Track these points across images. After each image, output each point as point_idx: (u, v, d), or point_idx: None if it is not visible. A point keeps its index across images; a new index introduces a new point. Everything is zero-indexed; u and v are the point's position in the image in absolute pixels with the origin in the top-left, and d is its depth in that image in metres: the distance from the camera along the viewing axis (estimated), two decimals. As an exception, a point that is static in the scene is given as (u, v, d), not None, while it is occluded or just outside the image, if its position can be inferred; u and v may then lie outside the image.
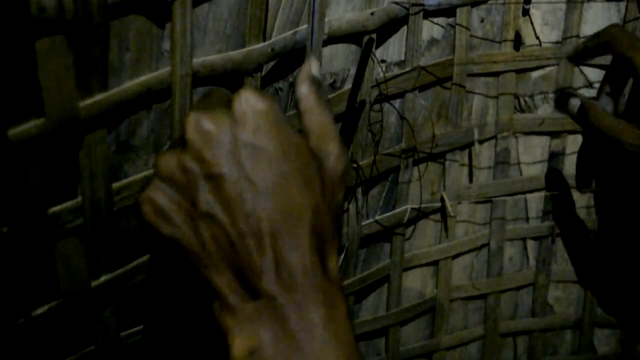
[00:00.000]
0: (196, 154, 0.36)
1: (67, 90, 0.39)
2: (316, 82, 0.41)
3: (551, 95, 0.70)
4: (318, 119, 0.40)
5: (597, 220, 0.68)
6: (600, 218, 0.65)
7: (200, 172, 0.36)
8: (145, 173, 0.46)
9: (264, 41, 0.50)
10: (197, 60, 0.46)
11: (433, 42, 0.64)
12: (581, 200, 0.72)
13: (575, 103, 0.58)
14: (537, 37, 0.68)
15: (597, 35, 0.57)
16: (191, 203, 0.36)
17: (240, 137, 0.36)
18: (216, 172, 0.36)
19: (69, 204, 0.43)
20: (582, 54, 0.59)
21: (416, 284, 0.72)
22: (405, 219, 0.67)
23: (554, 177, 0.66)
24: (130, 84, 0.43)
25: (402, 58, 0.62)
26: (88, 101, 0.41)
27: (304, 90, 0.41)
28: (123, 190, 0.46)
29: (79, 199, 0.43)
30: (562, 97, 0.59)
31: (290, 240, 0.36)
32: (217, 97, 0.41)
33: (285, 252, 0.35)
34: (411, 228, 0.69)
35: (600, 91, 0.58)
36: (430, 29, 0.63)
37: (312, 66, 0.42)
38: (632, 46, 0.53)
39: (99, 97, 0.41)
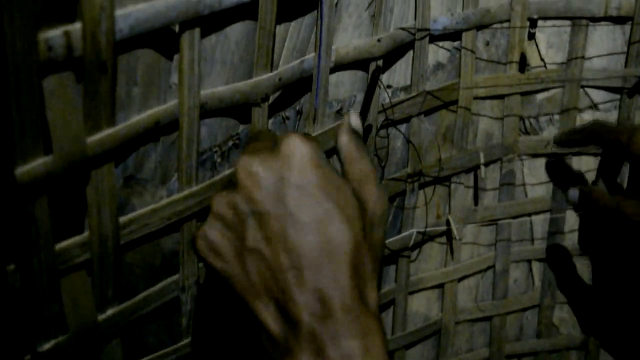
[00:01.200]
0: (246, 195, 0.40)
1: (74, 127, 0.39)
2: (355, 133, 0.45)
3: (557, 118, 0.70)
4: (358, 165, 0.44)
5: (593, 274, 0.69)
6: (597, 274, 0.66)
7: (249, 210, 0.39)
8: (152, 206, 0.46)
9: (272, 71, 0.49)
10: (205, 92, 0.46)
11: (439, 66, 0.63)
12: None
13: (574, 193, 0.60)
14: (542, 60, 0.68)
15: (582, 128, 0.59)
16: (240, 239, 0.40)
17: (286, 179, 0.39)
18: (263, 211, 0.39)
19: (76, 239, 0.43)
20: (568, 142, 0.62)
21: (421, 307, 0.71)
22: (411, 243, 0.66)
23: (555, 249, 0.69)
24: (138, 118, 0.43)
25: (408, 83, 0.62)
26: (96, 137, 0.40)
27: (345, 140, 0.45)
28: (130, 224, 0.45)
29: (86, 233, 0.43)
30: (563, 142, 0.61)
31: (329, 275, 0.38)
32: (265, 137, 0.44)
33: (324, 286, 0.38)
34: (417, 251, 0.68)
35: (597, 179, 0.61)
36: (436, 53, 0.63)
37: (352, 118, 0.46)
38: (613, 131, 0.55)
39: (106, 132, 0.41)
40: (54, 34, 0.36)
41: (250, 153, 0.41)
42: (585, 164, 0.70)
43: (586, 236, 0.59)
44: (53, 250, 0.41)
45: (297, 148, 0.40)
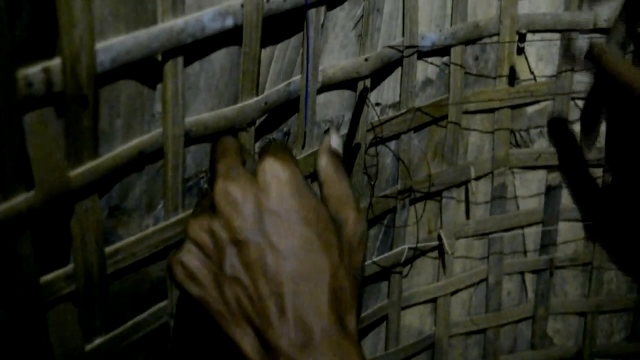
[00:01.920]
0: (225, 221, 0.39)
1: (56, 161, 0.38)
2: (335, 154, 0.45)
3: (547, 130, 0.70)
4: (336, 187, 0.43)
5: (605, 173, 0.66)
6: (610, 169, 0.60)
7: (227, 238, 0.39)
8: (138, 235, 0.45)
9: (257, 95, 0.49)
10: (190, 119, 0.45)
11: (428, 82, 0.63)
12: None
13: (583, 44, 0.54)
14: (532, 73, 0.68)
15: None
16: (218, 266, 0.39)
17: (264, 205, 0.39)
18: (241, 238, 0.39)
19: (60, 271, 0.42)
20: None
21: (414, 321, 0.71)
22: (403, 259, 0.66)
23: (559, 124, 0.61)
24: (122, 149, 0.42)
25: (397, 100, 0.61)
26: (78, 170, 0.40)
27: (324, 162, 0.44)
28: (116, 254, 0.45)
29: (71, 265, 0.43)
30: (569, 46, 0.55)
31: (309, 301, 0.38)
32: (235, 152, 0.43)
33: (304, 313, 0.38)
34: (408, 267, 0.68)
35: (612, 32, 0.55)
36: (425, 69, 0.63)
37: (332, 139, 0.46)
38: None
39: (89, 165, 0.40)
40: (33, 70, 0.35)
41: (229, 178, 0.41)
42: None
43: (594, 95, 0.54)
44: (38, 283, 0.41)
45: (275, 174, 0.40)
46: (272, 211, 0.39)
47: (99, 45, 0.38)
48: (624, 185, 0.52)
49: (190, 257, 0.40)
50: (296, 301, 0.38)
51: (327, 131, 0.55)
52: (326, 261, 0.39)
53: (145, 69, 0.42)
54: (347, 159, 0.57)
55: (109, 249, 0.44)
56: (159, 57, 0.42)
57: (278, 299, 0.38)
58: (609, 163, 0.55)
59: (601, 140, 0.53)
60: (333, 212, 0.42)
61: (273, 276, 0.38)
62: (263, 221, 0.39)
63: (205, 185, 0.49)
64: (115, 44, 0.39)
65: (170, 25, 0.41)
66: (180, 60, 0.43)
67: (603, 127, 0.53)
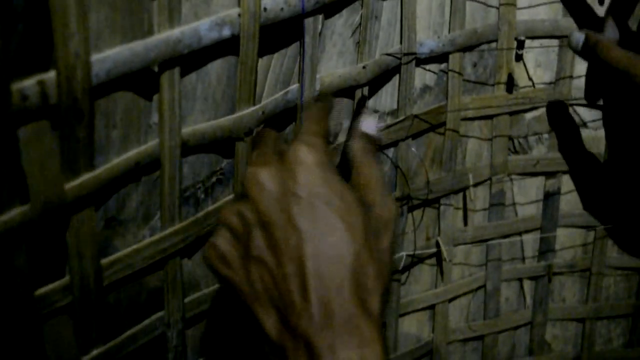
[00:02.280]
0: (253, 205, 0.40)
1: (52, 174, 0.38)
2: (368, 137, 0.46)
3: (546, 137, 0.70)
4: (366, 171, 0.44)
5: (604, 153, 0.65)
6: (609, 146, 0.60)
7: (255, 220, 0.40)
8: (135, 246, 0.45)
9: (255, 104, 0.48)
10: (187, 129, 0.45)
11: (426, 89, 0.63)
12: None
13: (579, 37, 0.54)
14: (531, 79, 0.68)
15: None
16: (246, 248, 0.40)
17: (290, 188, 0.40)
18: (268, 220, 0.40)
19: (56, 284, 0.42)
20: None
21: (413, 328, 0.71)
22: (401, 266, 0.66)
23: (558, 110, 0.62)
24: (118, 160, 0.42)
25: (395, 107, 0.61)
26: (74, 182, 0.39)
27: (357, 145, 0.46)
28: (113, 265, 0.44)
29: (67, 278, 0.42)
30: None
31: (331, 283, 0.38)
32: (271, 142, 0.44)
33: (325, 294, 0.38)
34: (406, 274, 0.68)
35: (604, 24, 0.55)
36: (423, 76, 0.62)
37: (363, 122, 0.47)
38: None
39: (85, 177, 0.40)
40: (27, 83, 0.35)
41: (258, 163, 0.42)
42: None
43: (593, 85, 0.54)
44: (33, 296, 0.41)
45: (301, 158, 0.41)
46: (297, 194, 0.40)
47: (95, 57, 0.38)
48: (625, 173, 0.52)
49: (221, 240, 0.41)
50: (318, 282, 0.38)
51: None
52: (349, 244, 0.39)
53: (142, 79, 0.42)
54: (343, 168, 0.56)
55: (105, 261, 0.44)
56: (156, 68, 0.42)
57: (300, 280, 0.38)
58: (610, 151, 0.54)
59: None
60: (361, 194, 0.43)
61: (296, 257, 0.39)
62: (289, 204, 0.40)
63: (203, 196, 0.49)
64: (111, 56, 0.39)
65: (166, 35, 0.41)
66: (176, 70, 0.43)
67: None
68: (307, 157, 0.41)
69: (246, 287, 0.40)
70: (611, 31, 0.56)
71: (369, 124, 0.46)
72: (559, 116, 0.56)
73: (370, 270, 0.40)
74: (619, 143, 0.52)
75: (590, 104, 0.56)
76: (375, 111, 0.60)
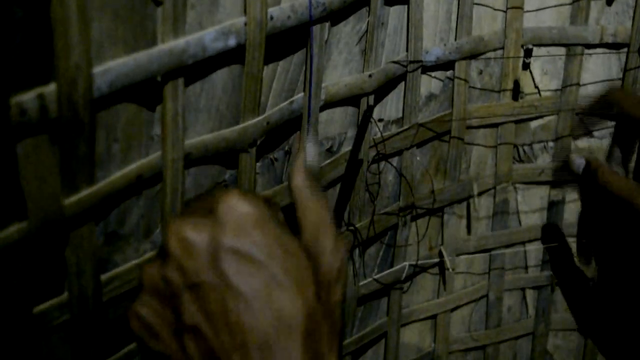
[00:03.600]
0: (178, 265, 0.34)
1: (50, 190, 0.37)
2: (311, 172, 0.40)
3: (551, 145, 0.69)
4: (313, 212, 0.38)
5: (597, 271, 0.67)
6: (601, 272, 0.62)
7: (182, 282, 0.34)
8: (135, 261, 0.44)
9: (259, 115, 0.47)
10: (190, 141, 0.44)
11: (431, 97, 0.62)
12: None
13: (579, 162, 0.55)
14: (537, 87, 0.67)
15: (601, 97, 0.54)
16: (176, 316, 0.34)
17: (222, 242, 0.34)
18: (198, 282, 0.34)
19: (55, 300, 0.40)
20: (586, 121, 0.56)
21: (414, 338, 0.70)
22: (404, 276, 0.65)
23: (551, 229, 0.63)
24: (119, 174, 0.40)
25: (400, 115, 0.60)
26: (73, 198, 0.38)
27: (299, 182, 0.38)
28: (112, 281, 0.43)
29: (66, 294, 0.41)
30: (562, 156, 0.56)
31: (280, 352, 0.33)
32: (203, 200, 0.38)
33: None
34: (409, 283, 0.67)
35: (609, 154, 0.56)
36: (429, 83, 0.61)
37: (307, 154, 0.40)
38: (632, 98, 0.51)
39: (85, 192, 0.39)
40: (27, 97, 0.34)
41: (179, 217, 0.36)
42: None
43: (587, 221, 0.54)
44: (31, 313, 0.39)
45: (233, 208, 0.35)
46: (230, 247, 0.34)
47: (97, 68, 0.36)
48: (614, 283, 0.52)
49: (145, 308, 0.35)
50: (264, 353, 0.33)
51: (330, 149, 0.53)
52: (298, 302, 0.34)
53: (144, 91, 0.40)
54: (349, 177, 0.55)
55: (105, 277, 0.43)
56: (159, 79, 0.40)
57: (244, 352, 0.33)
58: (599, 265, 0.55)
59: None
60: (308, 240, 0.37)
61: (236, 325, 0.33)
62: (220, 260, 0.34)
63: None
64: (113, 67, 0.37)
65: (170, 46, 0.40)
66: (180, 81, 0.41)
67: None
68: (239, 205, 0.35)
69: None
70: (615, 159, 0.56)
71: (310, 153, 0.42)
72: (553, 238, 0.57)
73: (324, 331, 0.35)
74: (612, 269, 0.53)
75: (586, 261, 0.57)
76: (380, 120, 0.58)
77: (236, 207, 0.35)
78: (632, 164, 0.55)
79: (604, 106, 0.54)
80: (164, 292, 0.34)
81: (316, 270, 0.36)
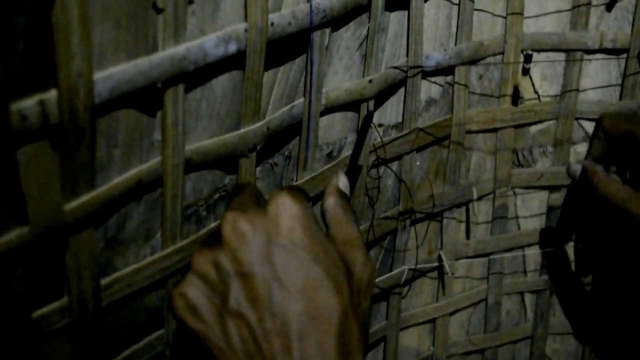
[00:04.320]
0: (231, 253, 0.37)
1: (51, 195, 0.37)
2: (343, 195, 0.44)
3: (550, 150, 0.69)
4: (344, 229, 0.42)
5: (593, 277, 0.67)
6: (596, 274, 0.63)
7: (233, 270, 0.37)
8: (135, 266, 0.44)
9: (259, 120, 0.47)
10: (190, 147, 0.44)
11: (431, 102, 0.62)
12: (577, 257, 0.70)
13: (576, 168, 0.56)
14: (536, 92, 0.67)
15: (595, 130, 0.55)
16: (222, 300, 0.37)
17: (274, 239, 0.37)
18: (248, 272, 0.37)
19: (54, 305, 0.41)
20: (592, 158, 0.57)
21: (413, 342, 0.70)
22: (403, 280, 0.65)
23: (549, 233, 0.64)
24: (120, 179, 0.41)
25: (400, 120, 0.60)
26: (74, 203, 0.38)
27: (332, 202, 0.43)
28: (112, 285, 0.43)
29: (66, 299, 0.41)
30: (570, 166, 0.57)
31: (316, 342, 0.36)
32: (251, 193, 0.42)
33: (309, 354, 0.36)
34: (407, 287, 0.67)
35: (604, 159, 0.56)
36: (428, 88, 0.61)
37: (340, 180, 0.45)
38: (630, 121, 0.52)
39: (85, 197, 0.39)
40: (28, 103, 0.34)
41: (237, 209, 0.39)
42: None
43: (583, 225, 0.55)
44: (31, 318, 0.39)
45: (286, 208, 0.38)
46: (281, 245, 0.37)
47: (98, 75, 0.37)
48: (610, 286, 0.53)
49: (193, 290, 0.38)
50: (302, 341, 0.36)
51: (330, 154, 0.54)
52: (336, 301, 0.37)
53: (145, 97, 0.40)
54: (349, 181, 0.55)
55: (104, 281, 0.43)
56: (159, 85, 0.41)
57: (284, 339, 0.36)
58: (595, 267, 0.56)
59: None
60: (342, 253, 0.40)
61: (280, 313, 0.36)
62: (271, 254, 0.37)
63: (205, 213, 0.48)
64: (114, 74, 0.37)
65: (171, 52, 0.40)
66: (181, 87, 0.41)
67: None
68: (291, 207, 0.38)
69: (221, 344, 0.37)
70: (611, 164, 0.57)
71: (343, 182, 0.45)
72: (552, 242, 0.58)
73: (355, 329, 0.38)
74: (609, 273, 0.54)
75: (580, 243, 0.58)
76: (380, 125, 0.59)
77: (289, 208, 0.38)
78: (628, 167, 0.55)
79: (601, 137, 0.55)
80: (212, 277, 0.38)
81: (349, 278, 0.39)
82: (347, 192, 0.45)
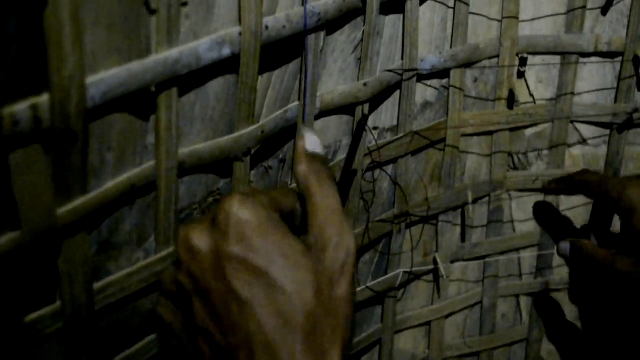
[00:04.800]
0: (186, 271, 0.36)
1: (43, 200, 0.37)
2: (314, 158, 0.38)
3: (545, 153, 0.69)
4: (320, 202, 0.37)
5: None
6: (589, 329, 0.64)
7: (192, 288, 0.36)
8: (128, 270, 0.44)
9: (254, 123, 0.47)
10: (184, 150, 0.44)
11: (426, 105, 0.62)
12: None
13: (565, 247, 0.57)
14: (532, 95, 0.67)
15: (571, 176, 0.56)
16: (189, 318, 0.36)
17: (223, 250, 0.35)
18: (204, 287, 0.36)
19: (47, 309, 0.40)
20: (557, 190, 0.58)
21: (408, 345, 0.70)
22: (398, 283, 0.65)
23: (545, 236, 0.64)
24: (113, 183, 0.40)
25: (395, 123, 0.60)
26: (66, 207, 0.38)
27: (301, 171, 0.38)
28: (105, 289, 0.43)
29: (58, 303, 0.41)
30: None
31: (283, 351, 0.35)
32: (214, 207, 0.41)
33: None
34: (402, 290, 0.67)
35: (588, 229, 0.59)
36: (424, 91, 0.61)
37: (307, 140, 0.38)
38: (603, 183, 0.53)
39: (78, 202, 0.39)
40: (19, 108, 0.34)
41: (189, 226, 0.37)
42: (574, 215, 0.69)
43: (577, 288, 0.58)
44: (23, 323, 0.39)
45: (232, 215, 0.36)
46: (232, 254, 0.35)
47: (90, 79, 0.36)
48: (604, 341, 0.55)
49: (164, 310, 0.37)
50: (267, 352, 0.35)
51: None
52: (297, 303, 0.35)
53: (138, 100, 0.40)
54: (344, 185, 0.55)
55: (97, 285, 0.43)
56: (153, 89, 0.41)
57: (249, 352, 0.35)
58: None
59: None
60: (316, 235, 0.37)
61: (240, 326, 0.35)
62: (222, 267, 0.35)
63: (199, 217, 0.47)
64: (107, 78, 0.37)
65: (164, 56, 0.40)
66: (174, 91, 0.41)
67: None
68: (238, 212, 0.36)
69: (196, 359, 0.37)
70: (594, 238, 0.59)
71: (312, 142, 0.38)
72: (547, 216, 0.60)
73: (326, 328, 0.36)
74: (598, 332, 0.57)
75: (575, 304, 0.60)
76: (375, 128, 0.59)
77: (237, 214, 0.36)
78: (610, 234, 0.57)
79: (571, 185, 0.56)
80: (177, 295, 0.37)
81: (319, 268, 0.36)
82: (319, 149, 0.39)
